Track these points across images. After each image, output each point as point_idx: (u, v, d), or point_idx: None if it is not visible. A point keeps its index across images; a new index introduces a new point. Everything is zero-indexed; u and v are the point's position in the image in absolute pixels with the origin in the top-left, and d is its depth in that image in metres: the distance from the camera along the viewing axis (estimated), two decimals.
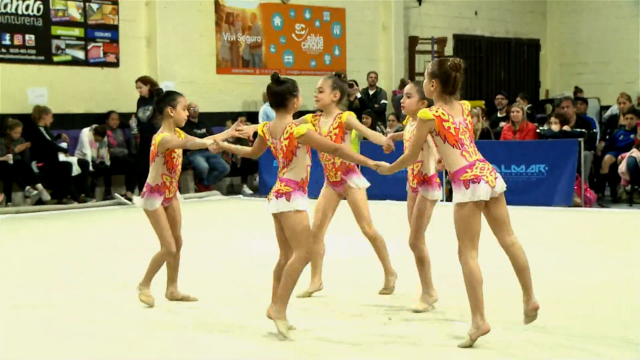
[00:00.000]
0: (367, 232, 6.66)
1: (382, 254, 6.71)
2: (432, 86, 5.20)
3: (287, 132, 5.45)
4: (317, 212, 6.62)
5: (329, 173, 6.68)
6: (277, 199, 5.41)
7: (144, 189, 6.40)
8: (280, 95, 5.51)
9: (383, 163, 5.47)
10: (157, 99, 6.47)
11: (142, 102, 14.46)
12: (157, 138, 6.31)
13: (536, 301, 5.22)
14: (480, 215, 5.12)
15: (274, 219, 5.53)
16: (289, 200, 5.37)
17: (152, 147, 6.35)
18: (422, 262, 6.16)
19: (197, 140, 6.43)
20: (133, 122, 15.01)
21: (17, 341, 5.64)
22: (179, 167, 6.48)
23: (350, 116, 6.57)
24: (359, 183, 6.62)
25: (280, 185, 5.46)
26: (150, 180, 6.36)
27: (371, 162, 5.48)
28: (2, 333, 5.78)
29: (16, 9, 14.23)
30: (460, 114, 5.18)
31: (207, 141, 6.05)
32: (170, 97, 6.42)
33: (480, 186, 5.01)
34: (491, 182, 5.04)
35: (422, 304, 6.14)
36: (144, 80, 14.53)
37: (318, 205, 6.67)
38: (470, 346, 5.11)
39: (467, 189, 5.03)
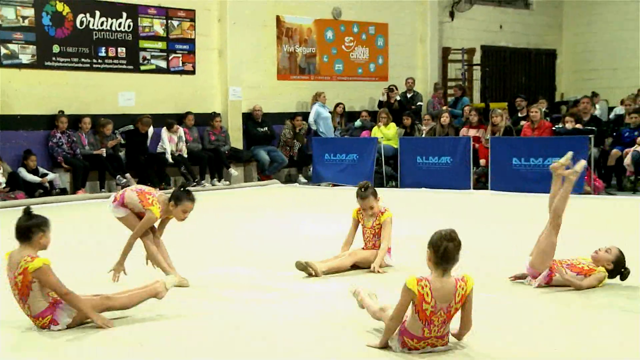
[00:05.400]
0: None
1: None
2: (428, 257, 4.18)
3: (21, 267, 4.63)
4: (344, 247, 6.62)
5: (365, 243, 6.63)
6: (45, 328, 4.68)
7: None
8: (27, 229, 4.65)
9: None
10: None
11: None
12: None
13: None
14: None
15: None
16: (57, 324, 4.68)
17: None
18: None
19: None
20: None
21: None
22: None
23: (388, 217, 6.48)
24: (388, 260, 6.55)
25: (39, 321, 4.68)
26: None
27: None
28: None
29: (110, 26, 14.39)
30: (451, 296, 4.11)
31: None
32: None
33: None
34: None
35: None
36: None
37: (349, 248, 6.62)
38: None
39: (400, 347, 4.22)
